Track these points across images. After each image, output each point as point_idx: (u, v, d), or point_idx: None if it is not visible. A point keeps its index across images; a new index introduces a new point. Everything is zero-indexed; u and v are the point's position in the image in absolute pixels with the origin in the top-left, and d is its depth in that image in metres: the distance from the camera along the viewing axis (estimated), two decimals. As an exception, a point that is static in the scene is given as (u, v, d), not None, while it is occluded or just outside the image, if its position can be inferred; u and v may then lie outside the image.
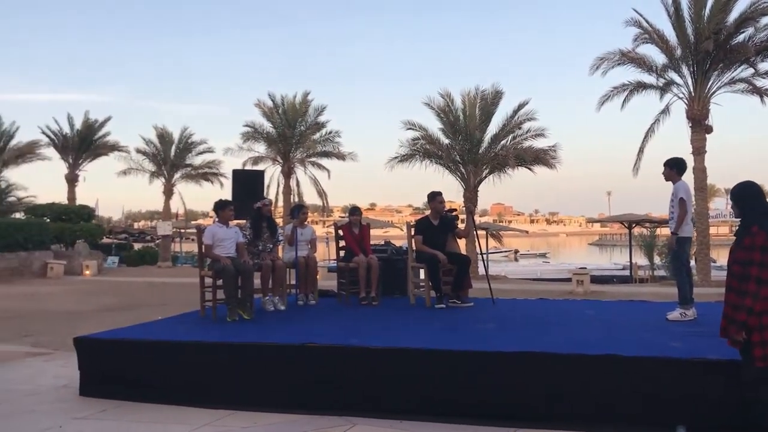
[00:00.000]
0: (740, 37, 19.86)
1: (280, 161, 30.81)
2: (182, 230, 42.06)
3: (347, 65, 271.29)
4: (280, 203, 30.39)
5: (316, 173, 31.96)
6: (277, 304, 7.78)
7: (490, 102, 24.89)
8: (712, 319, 5.86)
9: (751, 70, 20.13)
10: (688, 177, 7.88)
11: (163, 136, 34.44)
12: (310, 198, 33.49)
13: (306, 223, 8.65)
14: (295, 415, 5.10)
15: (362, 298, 8.18)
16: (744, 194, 4.15)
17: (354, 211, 8.80)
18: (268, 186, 29.20)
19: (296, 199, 30.35)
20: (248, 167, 28.03)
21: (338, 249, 8.86)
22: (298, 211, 8.61)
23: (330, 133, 31.14)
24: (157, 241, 39.26)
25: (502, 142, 24.68)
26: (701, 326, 6.00)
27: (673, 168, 6.79)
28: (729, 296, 4.04)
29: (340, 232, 8.76)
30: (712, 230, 25.06)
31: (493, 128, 24.87)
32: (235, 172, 9.86)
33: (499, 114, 24.99)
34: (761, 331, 3.87)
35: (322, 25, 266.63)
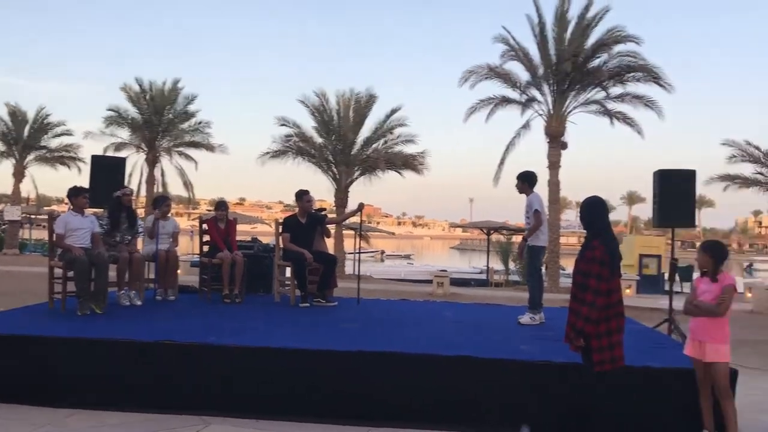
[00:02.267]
0: (596, 62, 21.27)
1: (145, 149, 29.47)
2: (33, 216, 39.64)
3: (222, 53, 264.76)
4: (143, 193, 29.08)
5: (184, 164, 30.86)
6: (134, 298, 7.48)
7: (363, 105, 25.19)
8: (558, 323, 6.26)
9: (604, 93, 21.55)
10: (543, 189, 8.39)
11: (16, 114, 31.91)
12: (176, 189, 32.34)
13: (169, 215, 8.36)
14: (148, 414, 4.94)
15: (225, 295, 8.02)
16: (590, 209, 4.48)
17: (220, 205, 8.61)
18: (130, 174, 27.89)
19: (160, 190, 29.17)
20: (110, 153, 26.63)
21: (202, 244, 8.65)
22: (161, 203, 8.30)
23: (200, 123, 30.13)
24: (4, 227, 36.52)
25: (374, 145, 25.05)
26: (549, 330, 6.42)
27: (525, 181, 7.21)
28: (572, 304, 4.36)
29: (205, 227, 8.55)
30: (562, 240, 26.83)
31: (366, 131, 25.20)
32: (95, 158, 9.39)
33: (373, 117, 25.35)
34: (598, 339, 4.20)
35: (207, 16, 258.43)
